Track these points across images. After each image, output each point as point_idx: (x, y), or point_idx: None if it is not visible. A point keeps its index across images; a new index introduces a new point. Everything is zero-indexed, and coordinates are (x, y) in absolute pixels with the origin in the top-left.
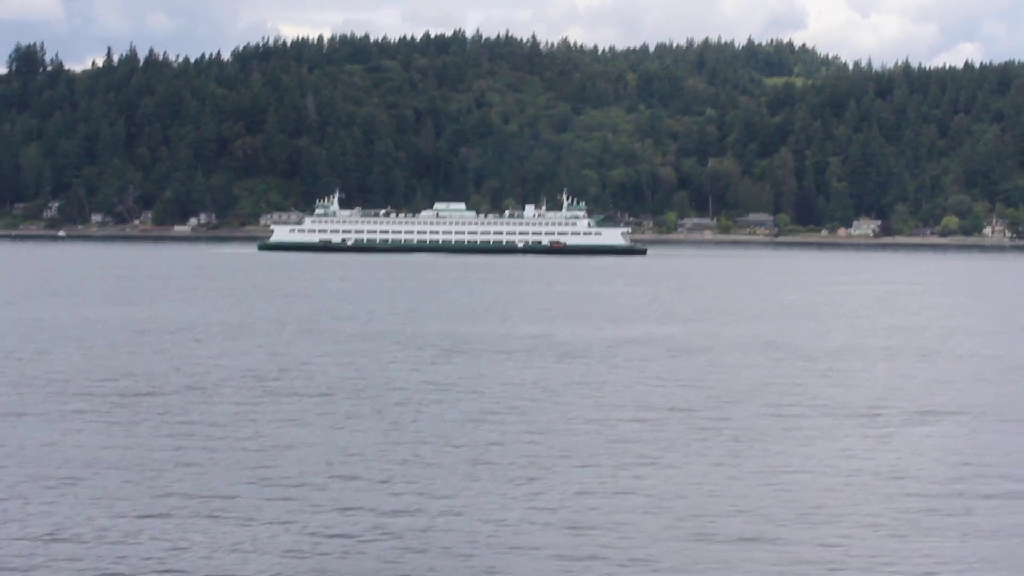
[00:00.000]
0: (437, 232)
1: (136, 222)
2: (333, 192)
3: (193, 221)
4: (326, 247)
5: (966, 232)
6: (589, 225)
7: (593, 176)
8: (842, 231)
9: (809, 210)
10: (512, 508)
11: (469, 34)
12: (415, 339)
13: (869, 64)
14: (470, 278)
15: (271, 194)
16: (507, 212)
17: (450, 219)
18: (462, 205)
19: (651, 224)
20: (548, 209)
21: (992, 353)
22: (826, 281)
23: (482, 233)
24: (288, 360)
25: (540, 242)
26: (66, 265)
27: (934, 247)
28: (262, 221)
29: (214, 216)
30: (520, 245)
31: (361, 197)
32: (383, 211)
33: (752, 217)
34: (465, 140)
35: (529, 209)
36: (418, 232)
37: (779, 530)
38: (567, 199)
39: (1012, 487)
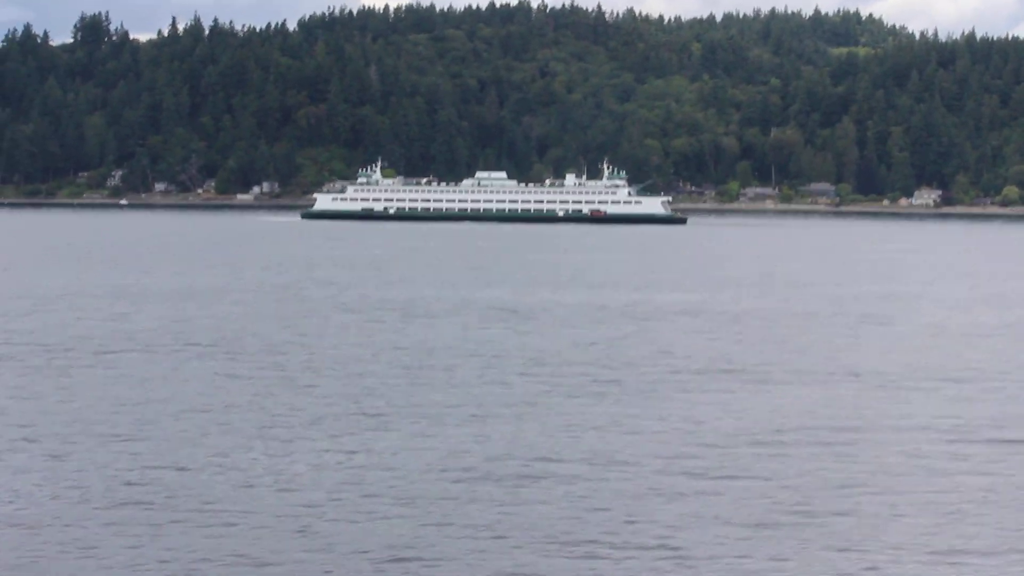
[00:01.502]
0: (478, 200)
1: (199, 191)
2: (376, 160)
3: (256, 190)
4: (368, 215)
5: None
6: (629, 194)
7: (655, 145)
8: (903, 201)
9: (871, 180)
10: (291, 464)
11: (535, 3)
12: (371, 305)
13: (935, 34)
14: (488, 247)
15: (334, 163)
16: (547, 181)
17: (491, 187)
18: (503, 174)
19: (713, 193)
20: (589, 178)
21: (921, 321)
22: (851, 249)
23: (523, 202)
24: (230, 325)
25: (580, 211)
26: (94, 232)
27: (995, 217)
28: (325, 190)
29: (277, 185)
30: (560, 214)
31: (424, 166)
32: (425, 179)
33: (814, 187)
34: (528, 109)
35: (570, 178)
36: (459, 200)
37: (559, 468)
38: (607, 168)
39: (788, 438)
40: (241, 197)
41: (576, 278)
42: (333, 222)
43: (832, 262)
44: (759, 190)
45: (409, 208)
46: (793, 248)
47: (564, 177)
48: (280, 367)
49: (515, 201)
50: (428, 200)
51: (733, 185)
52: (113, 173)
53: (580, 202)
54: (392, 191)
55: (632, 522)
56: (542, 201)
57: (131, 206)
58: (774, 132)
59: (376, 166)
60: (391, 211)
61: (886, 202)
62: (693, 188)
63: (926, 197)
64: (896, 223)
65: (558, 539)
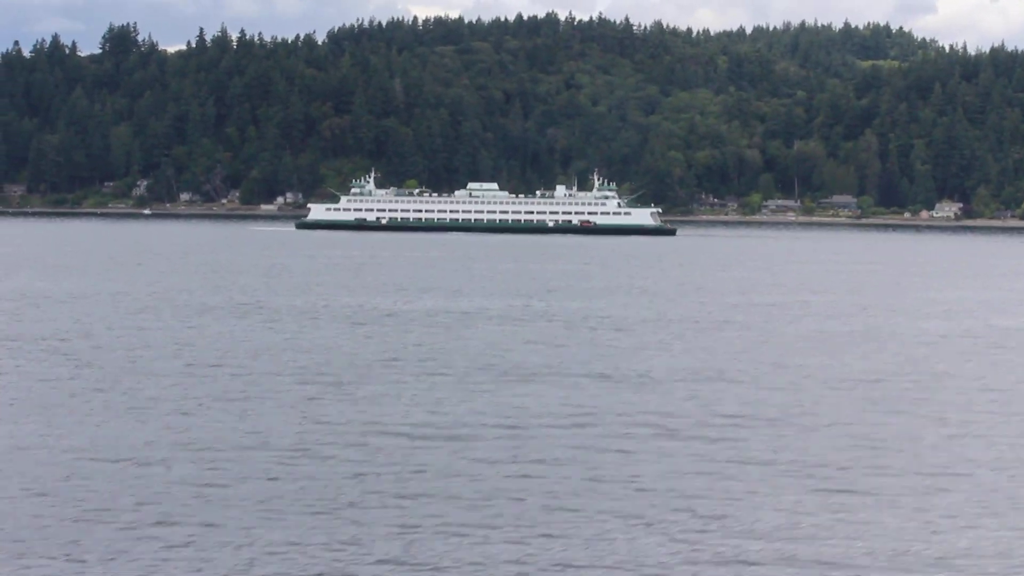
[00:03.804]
0: (469, 211)
1: (223, 201)
2: (369, 171)
3: (279, 200)
4: (360, 225)
5: None
6: (619, 205)
7: (679, 157)
8: (924, 213)
9: (893, 192)
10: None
11: (563, 16)
12: (264, 311)
13: (964, 48)
14: (446, 257)
15: (358, 174)
16: (538, 192)
17: (482, 199)
18: (495, 185)
19: (735, 206)
20: (580, 189)
21: (772, 328)
22: (811, 261)
23: (513, 212)
24: (86, 326)
25: (570, 221)
26: (66, 240)
27: (1014, 230)
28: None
29: (300, 195)
30: (551, 224)
31: (448, 178)
32: (418, 190)
33: (836, 199)
34: (553, 121)
35: (560, 189)
36: (451, 211)
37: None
38: (598, 179)
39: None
40: (265, 207)
41: (498, 288)
42: (324, 232)
43: (773, 273)
44: (781, 202)
45: (401, 219)
46: (759, 259)
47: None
48: (101, 363)
49: (506, 212)
50: (420, 211)
51: (755, 197)
52: (138, 183)
53: (570, 213)
54: (385, 202)
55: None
56: (532, 212)
57: (155, 216)
58: (797, 144)
59: (370, 176)
60: (383, 221)
61: (907, 215)
62: (716, 200)
63: (947, 210)
64: (901, 236)
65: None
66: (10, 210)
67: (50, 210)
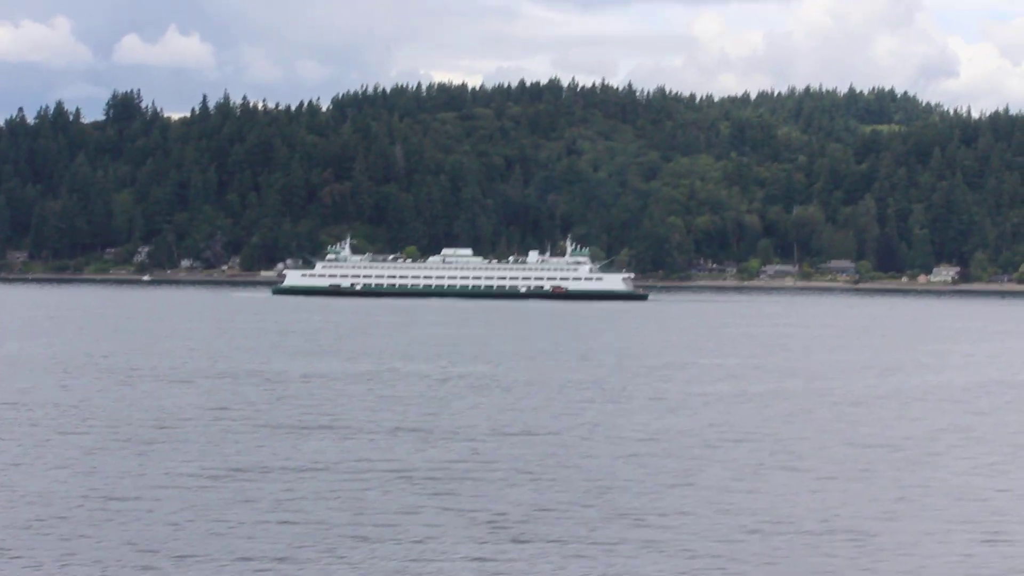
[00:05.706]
0: (443, 277)
1: (224, 267)
2: (345, 238)
3: (279, 266)
4: (335, 291)
5: None
6: (590, 271)
7: (678, 223)
8: (922, 278)
9: (891, 257)
10: None
11: (565, 82)
12: (171, 373)
13: (968, 112)
14: (393, 323)
15: (358, 240)
16: (511, 257)
17: (456, 264)
18: (469, 251)
19: (734, 271)
20: (608, 256)
21: (621, 389)
22: (757, 325)
23: (486, 278)
24: None
25: (542, 287)
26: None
27: (1010, 294)
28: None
29: (300, 261)
30: (523, 290)
31: (448, 244)
32: (392, 256)
33: (834, 264)
34: (554, 187)
35: (532, 255)
36: (424, 277)
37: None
38: (571, 245)
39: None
40: (265, 274)
41: (393, 350)
42: (297, 298)
43: (700, 337)
44: (779, 267)
45: (375, 284)
46: (707, 324)
47: (591, 256)
48: None
49: (479, 278)
50: (394, 276)
51: (754, 263)
52: (140, 250)
53: (542, 279)
54: (360, 267)
55: None
56: (505, 278)
57: (155, 282)
58: (796, 210)
59: (345, 243)
60: (358, 287)
61: (905, 279)
62: (714, 266)
63: (944, 274)
64: (886, 300)
65: None
66: (12, 276)
67: (52, 276)
